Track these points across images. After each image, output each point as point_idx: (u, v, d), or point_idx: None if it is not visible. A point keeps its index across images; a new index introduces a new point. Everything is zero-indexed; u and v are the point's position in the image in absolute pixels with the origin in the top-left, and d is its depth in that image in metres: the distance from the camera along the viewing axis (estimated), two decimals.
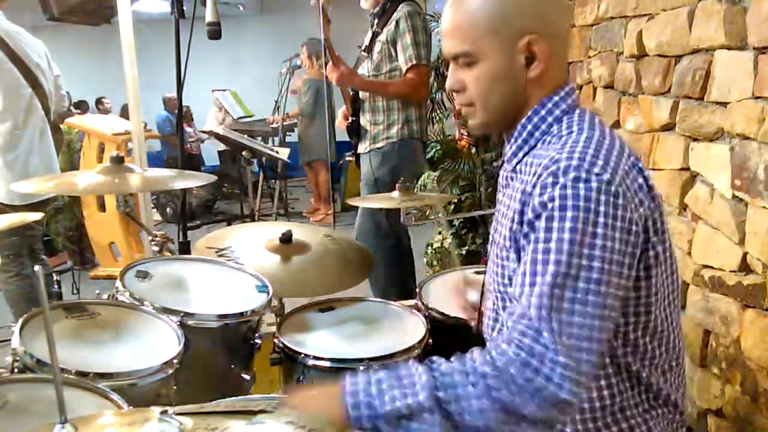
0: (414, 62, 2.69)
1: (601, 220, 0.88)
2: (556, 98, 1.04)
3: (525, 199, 0.96)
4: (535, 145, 1.04)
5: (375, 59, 2.80)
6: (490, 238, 1.15)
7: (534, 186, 0.93)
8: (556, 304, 0.86)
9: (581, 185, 0.89)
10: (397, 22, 2.71)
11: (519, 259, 0.97)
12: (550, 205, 0.90)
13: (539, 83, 1.03)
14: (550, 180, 0.91)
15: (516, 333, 0.87)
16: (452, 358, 0.91)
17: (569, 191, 0.89)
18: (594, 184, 0.89)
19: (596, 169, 0.90)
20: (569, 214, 0.88)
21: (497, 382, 0.84)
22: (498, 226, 1.09)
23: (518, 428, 0.85)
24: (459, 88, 1.06)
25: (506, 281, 1.02)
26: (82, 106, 7.53)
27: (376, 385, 0.89)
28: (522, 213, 0.95)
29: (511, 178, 1.08)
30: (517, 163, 1.06)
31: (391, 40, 2.74)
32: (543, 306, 0.86)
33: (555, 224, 0.88)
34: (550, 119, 1.03)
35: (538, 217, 0.91)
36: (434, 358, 0.91)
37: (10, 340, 1.16)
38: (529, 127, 1.05)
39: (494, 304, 1.12)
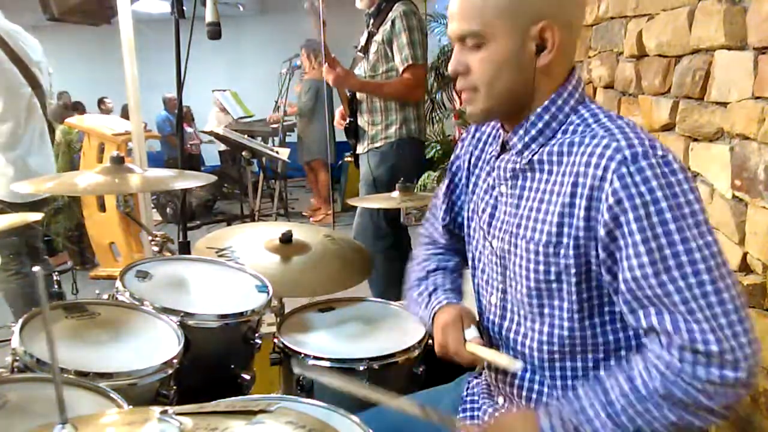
0: (410, 62, 2.69)
1: (691, 197, 0.90)
2: (570, 87, 1.03)
3: (584, 192, 0.94)
4: (553, 136, 1.02)
5: (371, 59, 2.80)
6: (499, 234, 1.10)
7: (601, 179, 0.92)
8: (703, 302, 0.87)
9: (660, 170, 0.89)
10: (393, 22, 2.70)
11: (582, 255, 0.96)
12: (639, 200, 0.89)
13: (547, 73, 1.01)
14: (624, 170, 0.90)
15: (678, 339, 0.88)
16: (616, 378, 0.94)
17: (652, 178, 0.89)
18: (670, 167, 0.90)
19: (660, 151, 0.91)
20: (665, 204, 0.89)
21: (675, 394, 0.88)
22: (522, 221, 1.04)
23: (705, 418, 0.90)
24: (463, 71, 1.03)
25: (552, 277, 1.00)
26: (78, 107, 7.52)
27: (564, 424, 0.94)
28: (588, 209, 0.94)
29: (525, 170, 1.05)
30: (532, 154, 1.04)
31: (386, 40, 2.73)
32: (693, 310, 0.87)
33: (656, 219, 0.89)
34: (567, 109, 1.02)
35: (630, 210, 0.90)
36: (602, 384, 0.94)
37: (10, 340, 1.16)
38: (546, 117, 1.02)
39: (504, 301, 1.11)
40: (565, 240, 0.97)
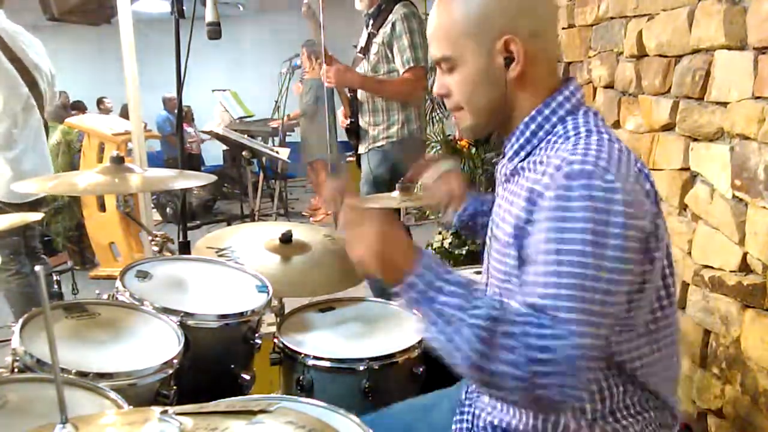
0: (411, 65, 2.68)
1: (613, 224, 0.88)
2: (560, 98, 1.04)
3: (535, 199, 0.95)
4: (539, 144, 1.04)
5: (372, 61, 2.79)
6: (489, 233, 1.14)
7: (547, 187, 0.93)
8: (568, 304, 0.86)
9: (595, 192, 0.88)
10: (393, 25, 2.69)
11: (519, 257, 0.97)
12: (563, 208, 0.89)
13: (523, 83, 1.02)
14: (564, 182, 0.90)
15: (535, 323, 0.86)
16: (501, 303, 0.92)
17: (583, 197, 0.88)
18: (608, 194, 0.88)
19: (609, 176, 0.90)
20: (581, 215, 0.88)
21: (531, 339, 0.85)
22: (499, 221, 1.07)
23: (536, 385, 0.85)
24: (445, 93, 1.08)
25: (505, 277, 1.02)
26: (79, 106, 7.53)
27: (444, 281, 0.91)
28: (531, 212, 0.95)
29: (513, 175, 1.08)
30: (519, 162, 1.06)
31: (387, 42, 2.72)
32: (558, 306, 0.86)
33: (568, 225, 0.88)
34: (554, 119, 1.03)
35: (550, 218, 0.90)
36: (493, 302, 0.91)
37: (10, 340, 1.16)
38: (533, 126, 1.04)
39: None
40: (515, 242, 0.98)
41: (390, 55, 2.75)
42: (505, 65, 1.00)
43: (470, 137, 1.14)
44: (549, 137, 1.03)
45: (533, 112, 1.04)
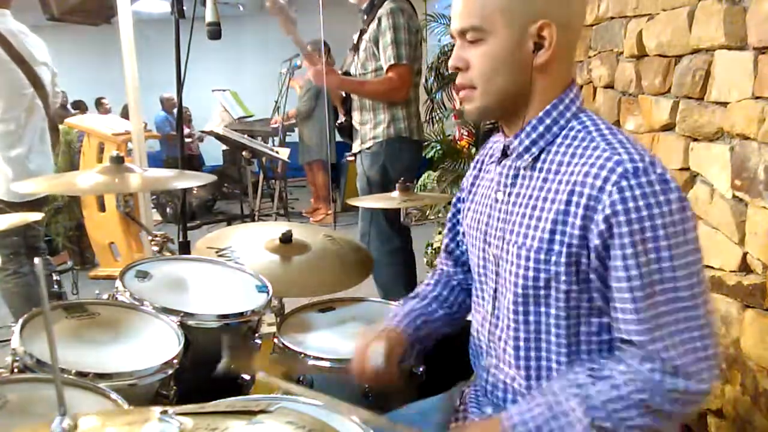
0: (393, 62, 2.57)
1: (685, 215, 0.94)
2: (572, 95, 1.04)
3: (581, 201, 0.95)
4: (553, 141, 1.02)
5: (361, 57, 2.72)
6: (493, 240, 1.10)
7: (600, 190, 0.93)
8: (683, 326, 0.92)
9: (659, 187, 0.92)
10: (380, 20, 2.60)
11: (573, 263, 0.97)
12: (635, 215, 0.91)
13: (544, 73, 1.01)
14: (624, 183, 0.92)
15: (656, 356, 0.93)
16: (593, 377, 0.95)
17: (650, 195, 0.92)
18: (668, 185, 0.93)
19: (659, 169, 0.94)
20: (659, 221, 0.91)
21: (652, 401, 0.92)
22: (514, 227, 1.04)
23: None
24: (462, 67, 1.04)
25: (541, 284, 1.00)
26: (81, 106, 7.53)
27: (533, 421, 0.95)
28: (584, 218, 0.95)
29: (524, 175, 1.05)
30: (533, 160, 1.04)
31: (373, 38, 2.64)
32: (673, 333, 0.92)
33: (649, 235, 0.91)
34: (568, 115, 1.03)
35: (626, 224, 0.92)
36: (579, 380, 0.96)
37: (10, 340, 1.16)
38: (548, 121, 1.02)
39: (495, 308, 1.10)
40: (556, 247, 0.97)
41: (376, 52, 2.66)
42: (533, 51, 0.98)
43: (474, 119, 1.10)
44: (564, 132, 1.02)
45: (548, 107, 1.03)
